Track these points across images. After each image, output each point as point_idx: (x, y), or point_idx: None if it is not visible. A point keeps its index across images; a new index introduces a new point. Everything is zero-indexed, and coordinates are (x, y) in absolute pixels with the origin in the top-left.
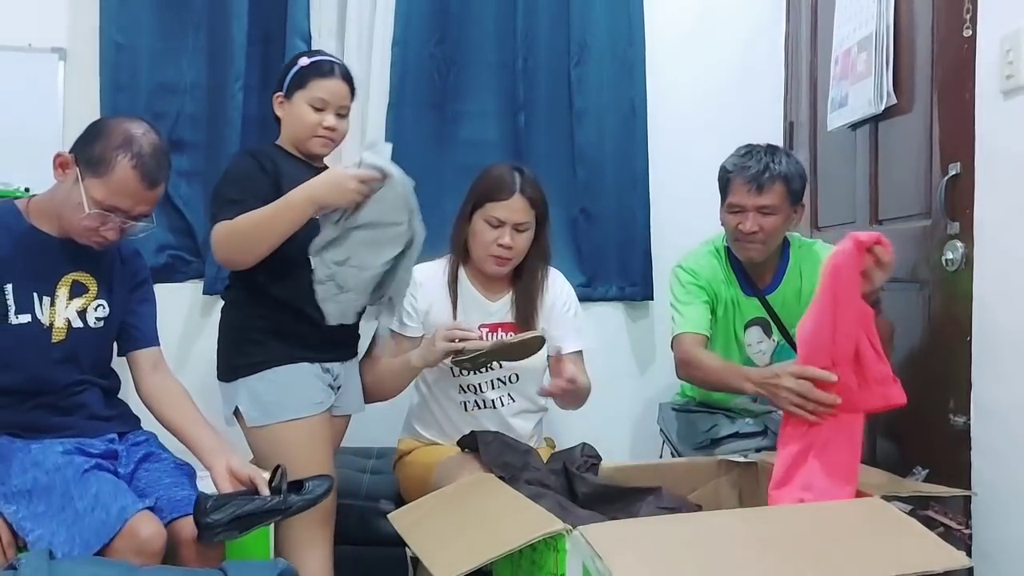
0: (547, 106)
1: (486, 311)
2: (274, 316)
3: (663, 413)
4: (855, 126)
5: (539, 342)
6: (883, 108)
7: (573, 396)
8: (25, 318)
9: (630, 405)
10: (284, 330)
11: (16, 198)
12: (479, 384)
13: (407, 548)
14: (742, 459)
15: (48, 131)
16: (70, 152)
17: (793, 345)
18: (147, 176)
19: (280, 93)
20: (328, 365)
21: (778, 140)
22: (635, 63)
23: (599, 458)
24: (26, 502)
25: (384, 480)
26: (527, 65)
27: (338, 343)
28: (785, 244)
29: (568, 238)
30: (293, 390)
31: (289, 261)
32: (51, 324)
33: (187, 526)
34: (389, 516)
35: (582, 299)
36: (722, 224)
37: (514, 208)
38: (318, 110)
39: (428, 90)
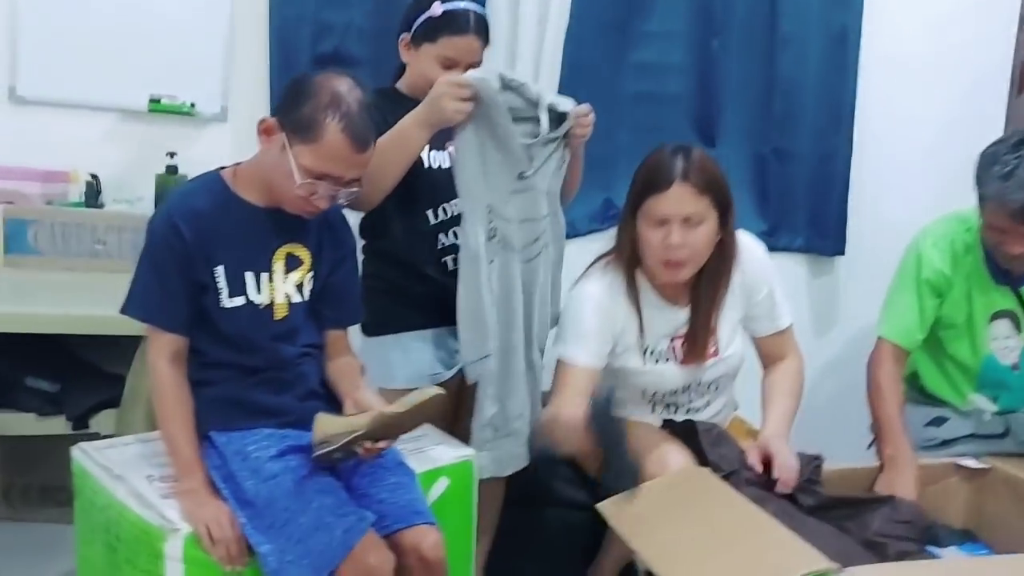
0: (746, 29)
1: (674, 322)
2: (391, 277)
3: None
4: None
5: (438, 401)
6: None
7: None
8: (238, 301)
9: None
10: (402, 292)
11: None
12: (676, 403)
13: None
14: (976, 465)
15: (214, 45)
16: (273, 116)
17: None
18: (358, 138)
19: (407, 35)
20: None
21: (1004, 80)
22: None
23: (820, 459)
24: (253, 512)
25: None
26: None
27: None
28: None
29: (753, 179)
30: (400, 359)
31: (408, 216)
32: (272, 301)
33: (410, 536)
34: (599, 507)
35: None
36: (982, 230)
37: (675, 198)
38: (447, 68)
39: (611, 7)
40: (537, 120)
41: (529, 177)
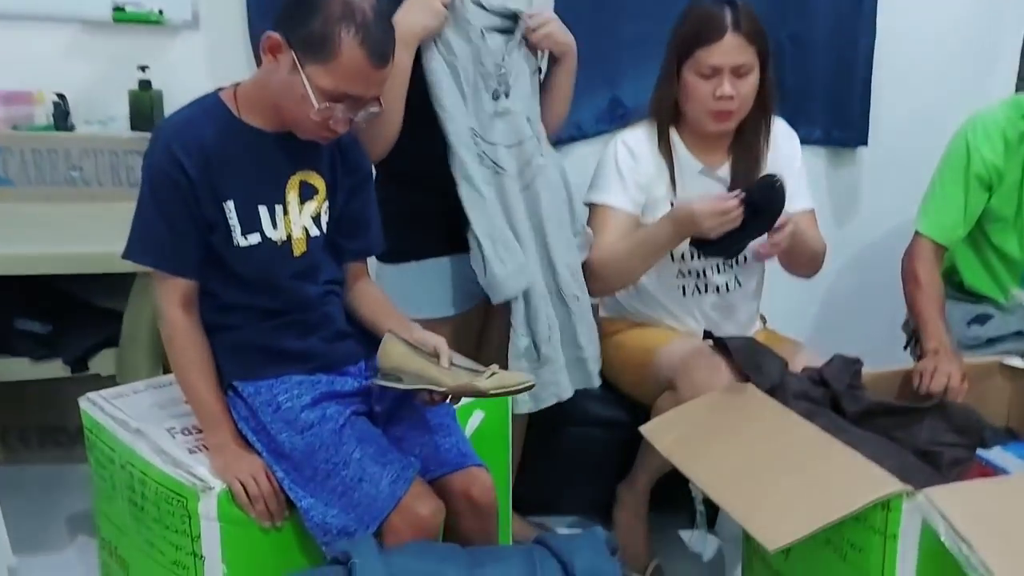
0: None
1: (708, 183)
2: (411, 200)
3: None
4: None
5: (525, 388)
6: None
7: (801, 258)
8: (254, 238)
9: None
10: (423, 217)
11: (220, 88)
12: (703, 270)
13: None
14: (1023, 364)
15: None
16: (276, 31)
17: None
18: (377, 52)
19: None
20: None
21: None
22: None
23: (860, 363)
24: (290, 465)
25: None
26: None
27: None
28: None
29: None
30: (423, 287)
31: (429, 136)
32: (289, 236)
33: (459, 480)
34: (643, 430)
35: None
36: None
37: (728, 49)
38: None
39: None
40: (501, 32)
41: (503, 97)
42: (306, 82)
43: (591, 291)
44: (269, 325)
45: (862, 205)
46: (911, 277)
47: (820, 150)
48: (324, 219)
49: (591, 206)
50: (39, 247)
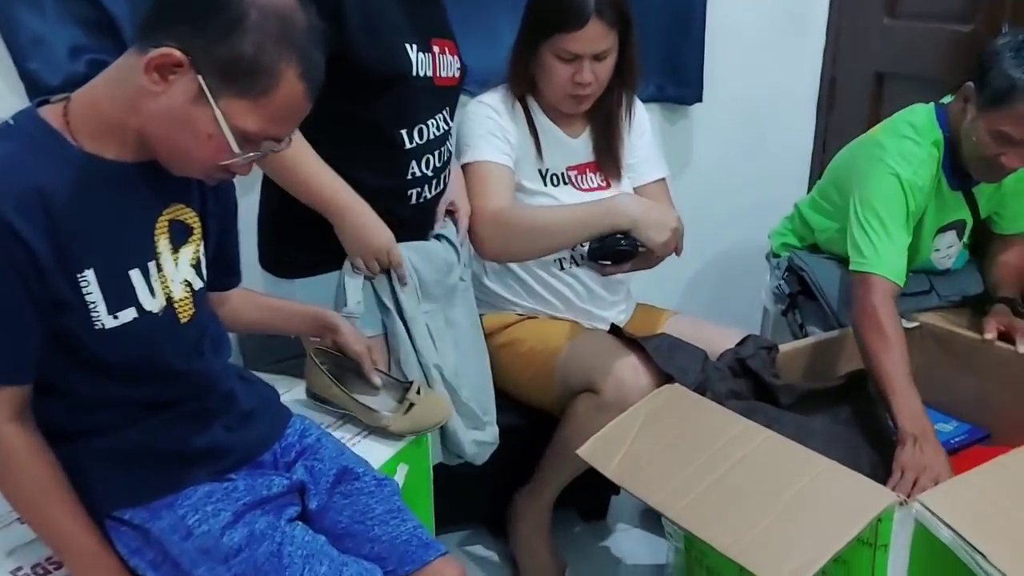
0: None
1: (570, 150)
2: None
3: (803, 260)
4: None
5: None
6: None
7: None
8: (127, 315)
9: None
10: (321, 222)
11: (40, 103)
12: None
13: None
14: (907, 324)
15: None
16: (172, 41)
17: (972, 250)
18: (316, 84)
19: None
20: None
21: None
22: None
23: (776, 348)
24: None
25: None
26: None
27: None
28: None
29: None
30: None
31: (378, 138)
32: (170, 300)
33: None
34: (581, 453)
35: None
36: (974, 136)
37: (590, 37)
38: None
39: None
40: None
41: None
42: (221, 121)
43: (483, 252)
44: (155, 422)
45: (693, 156)
46: (874, 327)
47: (654, 106)
48: (203, 264)
49: (465, 168)
50: None
